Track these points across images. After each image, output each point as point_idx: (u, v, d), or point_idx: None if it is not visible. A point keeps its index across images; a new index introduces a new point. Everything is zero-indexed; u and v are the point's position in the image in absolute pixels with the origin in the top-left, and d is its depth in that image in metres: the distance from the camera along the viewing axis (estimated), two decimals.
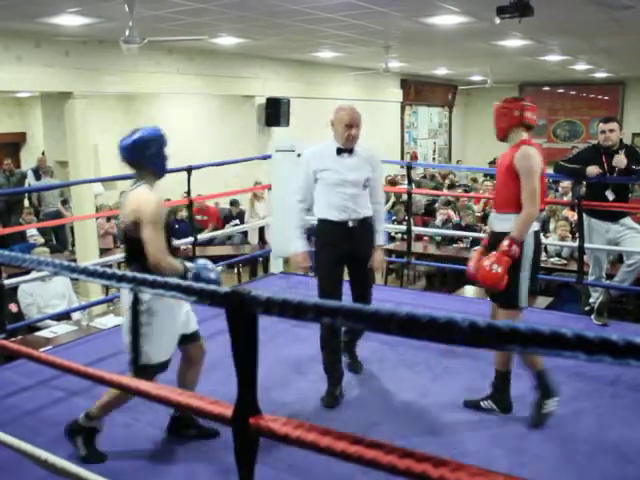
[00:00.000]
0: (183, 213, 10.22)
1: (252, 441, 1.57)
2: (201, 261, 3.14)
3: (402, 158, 16.34)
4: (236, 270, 9.62)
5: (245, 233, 10.40)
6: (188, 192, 5.55)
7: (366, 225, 3.89)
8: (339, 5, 6.62)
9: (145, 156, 3.08)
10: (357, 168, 3.82)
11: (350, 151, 3.82)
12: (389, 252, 9.02)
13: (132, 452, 3.17)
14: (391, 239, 10.08)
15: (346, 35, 8.81)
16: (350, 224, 3.81)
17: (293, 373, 4.05)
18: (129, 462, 3.06)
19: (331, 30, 8.34)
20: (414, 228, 6.42)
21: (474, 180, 14.09)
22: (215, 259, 8.61)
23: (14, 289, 5.74)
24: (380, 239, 3.97)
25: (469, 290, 6.93)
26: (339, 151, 3.81)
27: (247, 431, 1.54)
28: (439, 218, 9.45)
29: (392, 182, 13.66)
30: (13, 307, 5.45)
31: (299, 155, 5.65)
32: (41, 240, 9.92)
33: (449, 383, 3.92)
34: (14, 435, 2.30)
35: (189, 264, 3.07)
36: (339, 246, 3.83)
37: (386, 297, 5.70)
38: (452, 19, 7.47)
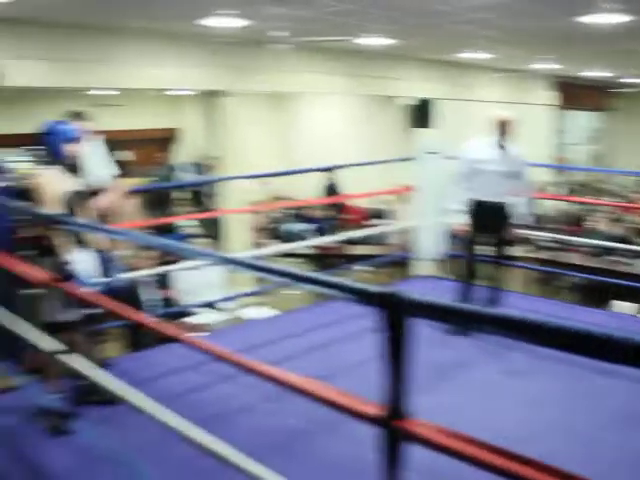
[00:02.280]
0: (325, 212, 10.38)
1: (400, 445, 1.57)
2: (93, 272, 3.45)
3: None
4: (380, 270, 9.63)
5: (389, 234, 10.38)
6: (335, 191, 5.62)
7: (506, 207, 4.84)
8: (490, 4, 6.46)
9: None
10: (505, 161, 4.75)
11: (503, 146, 4.75)
12: (536, 261, 8.71)
13: (269, 439, 3.26)
14: (539, 248, 9.73)
15: (495, 35, 8.57)
16: (493, 205, 4.79)
17: (438, 379, 3.98)
18: (270, 449, 3.10)
19: (479, 30, 8.15)
20: (563, 237, 6.15)
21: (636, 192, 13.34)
22: (358, 258, 8.80)
23: (170, 276, 6.07)
24: (520, 218, 4.90)
25: (618, 305, 6.55)
26: (494, 145, 4.75)
27: (396, 434, 1.54)
28: (591, 228, 9.02)
29: (541, 189, 13.21)
30: (170, 293, 5.75)
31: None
32: (196, 231, 10.42)
33: (601, 403, 3.72)
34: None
35: (79, 259, 3.39)
36: (482, 220, 4.81)
37: (530, 307, 5.51)
38: (612, 18, 7.04)
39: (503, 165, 4.75)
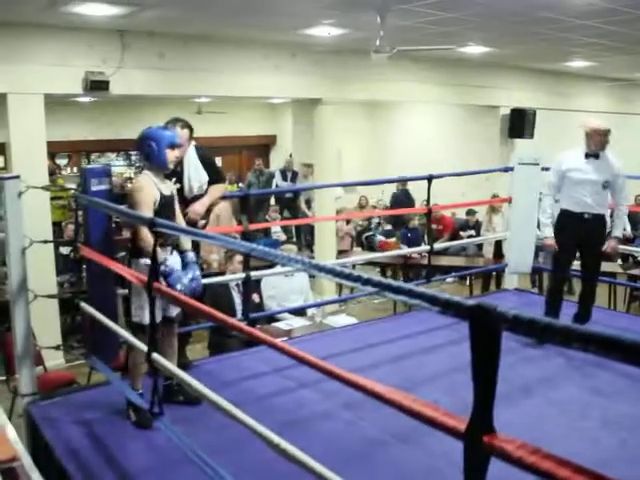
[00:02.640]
0: (415, 222, 10.32)
1: (483, 459, 1.52)
2: (182, 273, 3.45)
3: None
4: (468, 282, 9.50)
5: (480, 245, 10.21)
6: (427, 201, 5.58)
7: (599, 219, 4.70)
8: (598, 11, 6.25)
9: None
10: (599, 171, 4.64)
11: (596, 156, 4.66)
12: (635, 278, 8.34)
13: (347, 447, 3.25)
14: (638, 264, 9.31)
15: (602, 43, 8.29)
16: (585, 216, 4.68)
17: (519, 394, 3.87)
18: (348, 457, 3.12)
19: (586, 38, 7.91)
20: None
21: None
22: (445, 269, 8.68)
23: (258, 281, 6.17)
24: (616, 231, 4.79)
25: None
26: (587, 155, 4.68)
27: (479, 448, 1.50)
28: None
29: None
30: (256, 297, 5.84)
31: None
32: (283, 237, 10.58)
33: None
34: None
35: (170, 260, 3.43)
36: (574, 232, 4.71)
37: (628, 326, 5.27)
38: None
39: (595, 175, 4.65)
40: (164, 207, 3.59)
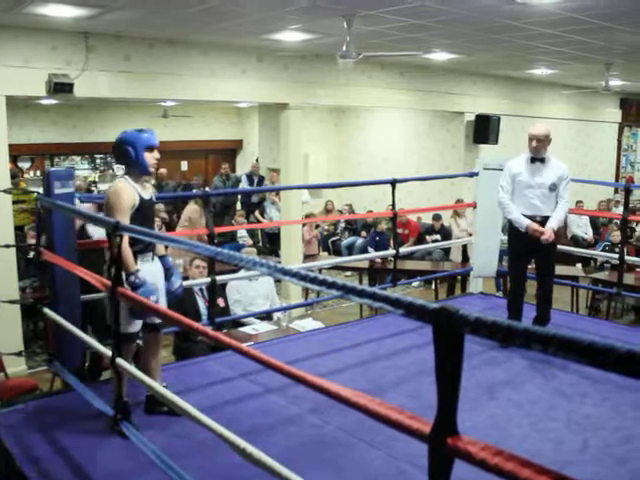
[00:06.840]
0: (382, 225, 10.40)
1: (448, 461, 1.54)
2: (151, 286, 3.31)
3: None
4: (433, 286, 9.57)
5: (446, 250, 10.30)
6: (393, 205, 5.62)
7: (546, 223, 4.75)
8: (560, 20, 6.36)
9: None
10: (545, 174, 4.79)
11: (542, 160, 4.81)
12: (596, 281, 8.48)
13: (318, 452, 3.24)
14: (599, 268, 9.48)
15: (565, 52, 8.44)
16: (536, 219, 4.76)
17: (485, 397, 3.93)
18: (315, 461, 3.13)
19: (549, 47, 8.05)
20: (627, 257, 5.97)
21: None
22: (414, 273, 8.73)
23: (223, 285, 6.14)
24: (551, 222, 4.75)
25: None
26: (532, 160, 4.83)
27: (443, 450, 1.52)
28: None
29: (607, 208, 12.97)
30: (221, 302, 5.80)
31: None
32: (250, 241, 10.56)
33: None
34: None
35: (141, 272, 3.30)
36: (526, 235, 4.76)
37: (588, 329, 5.37)
38: None
39: (542, 178, 4.79)
40: (143, 211, 3.46)
